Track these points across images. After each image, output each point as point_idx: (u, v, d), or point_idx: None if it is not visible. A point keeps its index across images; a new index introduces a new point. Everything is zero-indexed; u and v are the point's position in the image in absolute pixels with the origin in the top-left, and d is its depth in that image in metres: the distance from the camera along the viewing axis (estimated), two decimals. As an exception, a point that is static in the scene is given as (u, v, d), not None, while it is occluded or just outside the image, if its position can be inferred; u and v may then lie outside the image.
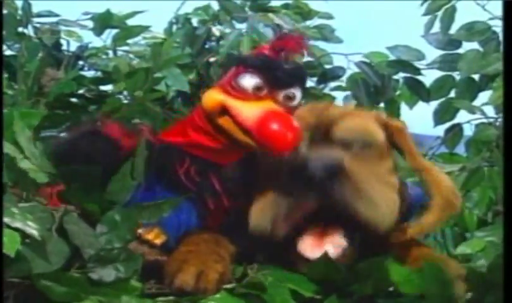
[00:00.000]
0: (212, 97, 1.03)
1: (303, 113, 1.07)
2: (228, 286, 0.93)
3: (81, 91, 1.52)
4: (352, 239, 1.01)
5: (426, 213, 1.06)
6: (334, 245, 1.00)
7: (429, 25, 1.68)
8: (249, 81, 1.02)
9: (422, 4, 1.67)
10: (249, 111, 1.00)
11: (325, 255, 0.97)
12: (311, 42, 1.73)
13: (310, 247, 1.00)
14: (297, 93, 1.04)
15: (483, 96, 1.65)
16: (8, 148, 0.93)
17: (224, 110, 1.01)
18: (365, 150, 1.06)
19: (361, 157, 1.04)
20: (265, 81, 1.02)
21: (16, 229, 0.83)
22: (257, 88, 1.02)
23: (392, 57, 1.70)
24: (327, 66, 1.73)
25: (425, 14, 1.67)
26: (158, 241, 0.98)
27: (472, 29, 1.65)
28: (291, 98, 1.04)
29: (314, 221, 1.00)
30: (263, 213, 1.01)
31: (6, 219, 0.83)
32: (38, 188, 0.95)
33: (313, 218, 1.00)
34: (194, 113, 1.05)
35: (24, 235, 0.83)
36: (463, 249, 1.30)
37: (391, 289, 0.96)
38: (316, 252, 0.98)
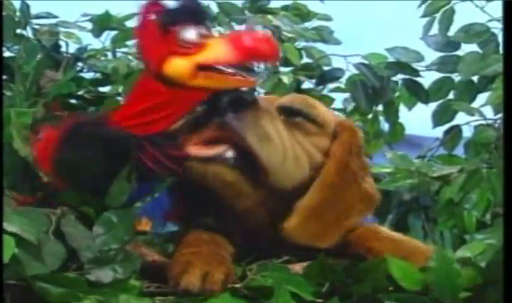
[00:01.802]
0: (180, 65, 1.00)
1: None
2: (233, 286, 0.93)
3: (80, 93, 1.52)
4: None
5: None
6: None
7: (427, 27, 1.68)
8: (191, 33, 1.01)
9: (420, 6, 1.67)
10: (220, 51, 1.00)
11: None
12: (310, 44, 1.73)
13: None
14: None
15: (482, 98, 1.65)
16: (17, 146, 0.92)
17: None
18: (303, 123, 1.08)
19: (292, 123, 1.06)
20: (196, 24, 1.02)
21: (12, 233, 0.82)
22: (200, 35, 1.02)
23: (390, 59, 1.70)
24: (326, 68, 1.74)
25: (423, 16, 1.67)
26: (148, 228, 0.98)
27: (471, 31, 1.65)
28: (208, 29, 1.04)
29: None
30: None
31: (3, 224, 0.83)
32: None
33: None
34: (144, 91, 1.04)
35: (20, 238, 0.83)
36: (462, 252, 1.30)
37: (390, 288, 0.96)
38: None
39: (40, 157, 0.99)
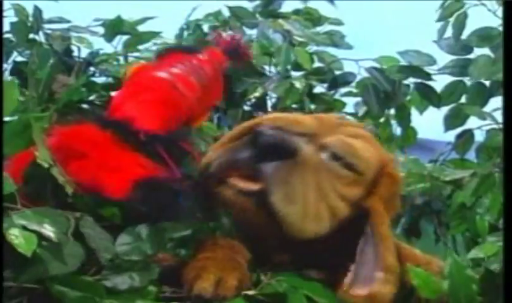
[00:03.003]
0: None
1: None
2: (247, 292, 0.93)
3: (92, 98, 1.52)
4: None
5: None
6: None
7: (442, 31, 1.67)
8: None
9: (438, 10, 1.67)
10: None
11: None
12: (322, 48, 1.74)
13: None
14: None
15: (494, 102, 1.64)
16: (43, 159, 0.92)
17: None
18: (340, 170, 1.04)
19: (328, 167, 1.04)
20: None
21: (33, 231, 0.83)
22: None
23: (402, 62, 1.69)
24: (338, 72, 1.73)
25: (438, 20, 1.67)
26: None
27: (483, 35, 1.65)
28: None
29: None
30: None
31: (22, 222, 0.84)
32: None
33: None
34: None
35: (40, 237, 0.83)
36: (475, 253, 1.29)
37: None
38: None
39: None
